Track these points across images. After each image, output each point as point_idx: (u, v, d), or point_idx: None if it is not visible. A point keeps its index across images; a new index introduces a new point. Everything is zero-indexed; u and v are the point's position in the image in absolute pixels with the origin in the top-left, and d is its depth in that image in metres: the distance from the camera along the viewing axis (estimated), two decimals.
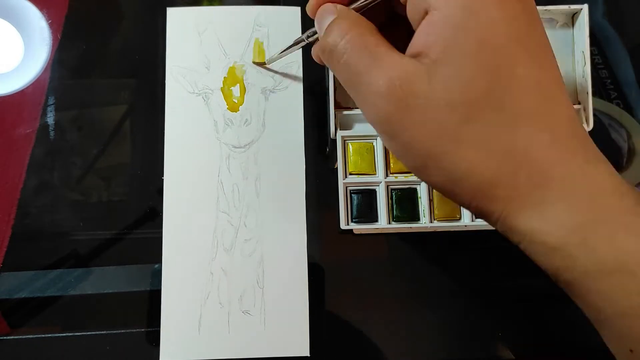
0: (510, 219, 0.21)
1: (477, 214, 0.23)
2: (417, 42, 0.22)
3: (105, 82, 0.36)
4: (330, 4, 0.25)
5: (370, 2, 0.25)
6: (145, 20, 0.37)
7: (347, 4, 0.25)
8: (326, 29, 0.24)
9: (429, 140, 0.21)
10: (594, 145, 0.22)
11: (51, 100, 0.36)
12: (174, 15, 0.36)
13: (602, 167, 0.21)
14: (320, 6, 0.25)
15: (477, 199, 0.22)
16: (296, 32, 0.36)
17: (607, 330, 0.21)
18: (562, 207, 0.20)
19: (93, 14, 0.37)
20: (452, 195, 0.23)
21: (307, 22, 0.37)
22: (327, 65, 0.25)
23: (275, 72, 0.36)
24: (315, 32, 0.28)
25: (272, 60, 0.35)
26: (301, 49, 0.36)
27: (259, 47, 0.36)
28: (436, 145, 0.21)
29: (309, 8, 0.26)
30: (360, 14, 0.25)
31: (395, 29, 0.26)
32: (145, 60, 0.36)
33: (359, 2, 0.25)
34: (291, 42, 0.31)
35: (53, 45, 0.36)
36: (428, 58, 0.21)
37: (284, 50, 0.32)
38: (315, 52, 0.28)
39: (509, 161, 0.21)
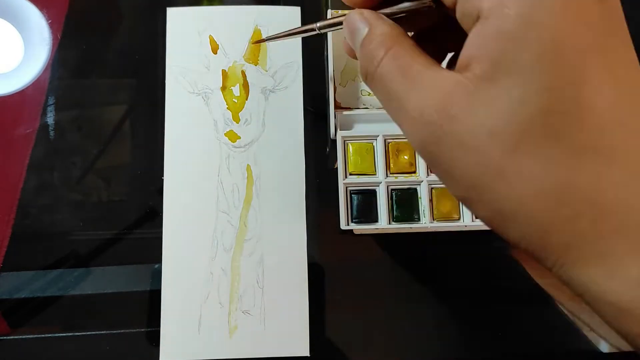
0: (567, 269, 0.18)
1: (529, 255, 0.20)
2: (465, 54, 0.19)
3: (105, 82, 0.36)
4: (356, 13, 0.22)
5: (407, 12, 0.22)
6: (145, 20, 0.37)
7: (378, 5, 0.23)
8: (360, 48, 0.22)
9: (469, 171, 0.19)
10: None
11: (51, 100, 0.36)
12: (174, 15, 0.36)
13: None
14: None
15: (527, 242, 0.18)
16: None
17: None
18: (637, 262, 0.17)
19: (93, 14, 0.37)
20: (498, 231, 0.20)
21: (307, 22, 0.36)
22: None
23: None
24: (328, 26, 0.26)
25: (272, 38, 0.32)
26: (301, 48, 0.36)
27: (258, 36, 0.36)
28: (478, 178, 0.18)
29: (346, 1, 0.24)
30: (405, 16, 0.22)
31: (449, 31, 0.23)
32: (145, 60, 0.36)
33: (392, 8, 0.22)
34: (300, 27, 0.28)
35: (53, 45, 0.36)
36: (472, 73, 0.18)
37: (290, 33, 0.29)
38: (345, 47, 0.26)
39: (567, 203, 0.17)
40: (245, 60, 0.36)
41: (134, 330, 0.33)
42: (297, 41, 0.36)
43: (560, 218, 0.17)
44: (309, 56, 0.36)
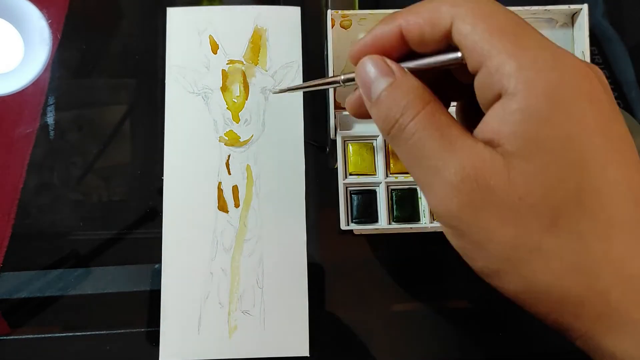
0: (597, 339, 0.18)
1: (553, 327, 0.20)
2: (489, 128, 0.19)
3: (105, 82, 0.36)
4: (379, 57, 0.21)
5: (431, 66, 0.21)
6: (145, 20, 0.37)
7: (395, 58, 0.22)
8: (383, 95, 0.21)
9: (506, 244, 0.19)
10: None
11: (51, 100, 0.36)
12: (174, 15, 0.36)
13: None
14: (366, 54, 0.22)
15: (557, 314, 0.19)
16: (296, 32, 0.36)
17: None
18: None
19: (93, 14, 0.37)
20: (526, 305, 0.20)
21: (307, 22, 0.37)
22: (385, 138, 0.22)
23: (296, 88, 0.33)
24: (353, 79, 0.24)
25: (295, 89, 0.31)
26: (301, 48, 0.36)
27: (258, 36, 0.36)
28: (515, 251, 0.19)
29: (352, 55, 0.23)
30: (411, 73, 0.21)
31: (446, 89, 0.23)
32: (145, 60, 0.36)
33: (416, 63, 0.21)
34: (324, 79, 0.27)
35: (53, 45, 0.36)
36: (503, 149, 0.18)
37: (312, 86, 0.28)
38: (351, 104, 0.25)
39: (601, 276, 0.18)
40: (246, 60, 0.36)
41: (134, 330, 0.33)
42: (297, 41, 0.36)
43: (594, 290, 0.18)
44: (309, 56, 0.36)
